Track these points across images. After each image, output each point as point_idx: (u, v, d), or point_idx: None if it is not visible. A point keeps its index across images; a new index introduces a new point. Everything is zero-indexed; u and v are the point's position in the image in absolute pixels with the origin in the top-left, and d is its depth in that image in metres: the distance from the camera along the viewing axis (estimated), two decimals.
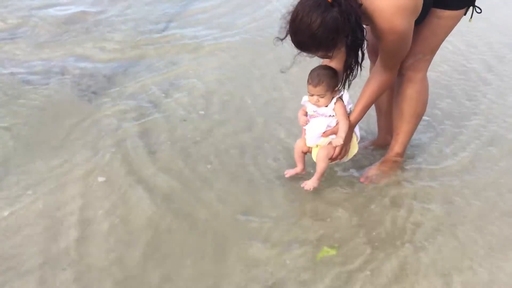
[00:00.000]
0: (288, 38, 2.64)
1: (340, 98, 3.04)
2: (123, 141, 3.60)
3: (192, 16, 5.55)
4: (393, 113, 3.31)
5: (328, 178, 3.27)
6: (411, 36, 2.77)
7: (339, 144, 3.00)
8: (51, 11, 5.60)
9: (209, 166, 3.40)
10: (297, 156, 3.25)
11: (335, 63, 3.02)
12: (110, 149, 3.50)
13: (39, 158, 3.42)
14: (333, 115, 3.04)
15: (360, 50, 2.77)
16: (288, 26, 2.62)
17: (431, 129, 3.82)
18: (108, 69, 4.55)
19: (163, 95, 4.19)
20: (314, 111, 3.08)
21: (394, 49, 2.79)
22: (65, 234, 2.81)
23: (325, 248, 2.83)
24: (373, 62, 3.27)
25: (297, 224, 2.96)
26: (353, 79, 2.96)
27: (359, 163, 3.43)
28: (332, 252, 2.81)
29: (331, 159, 3.09)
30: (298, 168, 3.26)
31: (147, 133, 3.73)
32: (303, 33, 2.56)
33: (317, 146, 3.14)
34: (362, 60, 2.85)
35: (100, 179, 3.23)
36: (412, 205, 3.10)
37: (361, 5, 2.59)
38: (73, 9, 5.65)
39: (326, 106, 3.03)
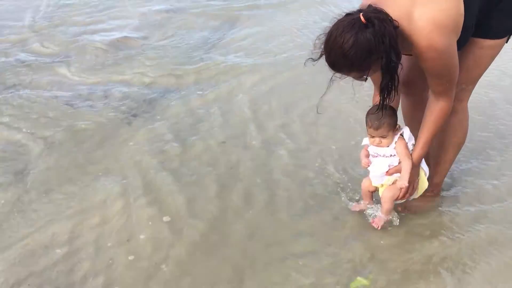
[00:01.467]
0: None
1: (401, 135, 2.97)
2: (161, 163, 3.67)
3: (231, 44, 5.61)
4: (433, 142, 3.25)
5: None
6: (457, 57, 2.67)
7: (404, 186, 2.92)
8: (96, 36, 5.77)
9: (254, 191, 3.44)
10: (364, 194, 3.23)
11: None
12: (149, 170, 3.58)
13: (78, 180, 3.52)
14: (395, 154, 2.96)
15: (395, 73, 2.68)
16: (322, 46, 2.60)
17: (471, 159, 3.75)
18: (149, 93, 4.65)
19: (202, 118, 4.25)
20: (375, 152, 3.02)
21: (437, 69, 2.67)
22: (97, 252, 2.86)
23: (359, 278, 2.80)
24: (407, 94, 3.21)
25: (332, 251, 2.94)
26: (390, 102, 2.85)
27: None
28: (365, 282, 2.77)
29: (398, 198, 3.04)
30: (366, 204, 3.24)
31: (185, 155, 3.79)
32: (335, 53, 2.52)
33: (382, 186, 3.08)
34: (397, 83, 2.72)
35: (141, 200, 3.29)
36: (449, 235, 3.04)
37: (397, 27, 2.54)
38: (116, 35, 5.80)
39: (388, 146, 2.96)
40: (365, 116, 2.98)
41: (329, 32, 2.55)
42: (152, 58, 5.30)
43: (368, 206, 3.23)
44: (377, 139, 2.95)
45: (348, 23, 2.50)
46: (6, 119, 4.24)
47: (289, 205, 3.33)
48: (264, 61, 5.23)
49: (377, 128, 2.91)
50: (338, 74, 2.64)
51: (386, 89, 2.72)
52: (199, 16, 6.34)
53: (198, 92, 4.65)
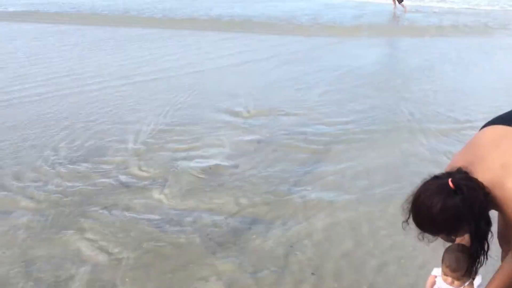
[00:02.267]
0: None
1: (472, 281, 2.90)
2: None
3: (321, 178, 5.71)
4: None
5: None
6: None
7: None
8: (191, 163, 6.09)
9: None
10: None
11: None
12: None
13: None
14: None
15: (485, 240, 2.64)
16: (410, 206, 2.63)
17: None
18: (236, 222, 4.76)
19: (286, 252, 4.28)
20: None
21: None
22: None
23: None
24: (504, 250, 3.11)
25: None
26: (480, 267, 2.81)
27: None
28: None
29: None
30: None
31: None
32: (423, 215, 2.54)
33: None
34: (487, 249, 2.69)
35: None
36: None
37: (488, 194, 2.53)
38: (209, 162, 6.10)
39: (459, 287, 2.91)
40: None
41: (416, 194, 2.59)
42: (241, 187, 5.48)
43: None
44: (449, 279, 2.91)
45: (436, 187, 2.52)
46: (92, 237, 4.51)
47: None
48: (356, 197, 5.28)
49: (453, 271, 2.87)
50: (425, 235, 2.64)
51: (475, 254, 2.69)
52: (290, 147, 6.59)
53: (284, 227, 4.71)
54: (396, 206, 2.85)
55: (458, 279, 2.89)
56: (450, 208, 2.46)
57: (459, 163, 2.68)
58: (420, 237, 2.68)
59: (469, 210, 2.47)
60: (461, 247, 2.88)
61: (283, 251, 4.31)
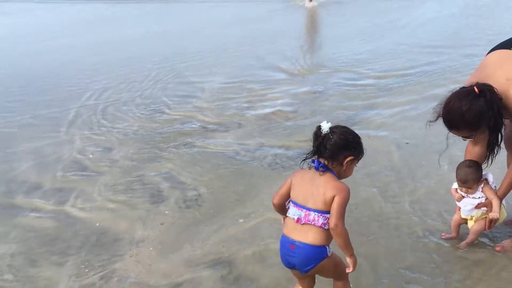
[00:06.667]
0: None
1: (486, 179, 3.71)
2: None
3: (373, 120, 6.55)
4: None
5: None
6: None
7: (496, 217, 3.62)
8: (253, 111, 7.04)
9: None
10: (453, 226, 3.98)
11: (478, 148, 3.70)
12: None
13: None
14: (480, 196, 3.72)
15: (499, 133, 3.46)
16: (440, 110, 3.42)
17: None
18: (295, 153, 5.67)
19: None
20: (464, 194, 3.79)
21: None
22: None
23: None
24: (510, 152, 3.91)
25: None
26: (495, 156, 3.63)
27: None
28: None
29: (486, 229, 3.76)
30: (453, 235, 3.98)
31: None
32: (454, 113, 3.31)
33: (471, 217, 3.82)
34: (501, 141, 3.52)
35: None
36: None
37: (501, 99, 3.31)
38: (271, 109, 7.05)
39: (474, 194, 3.73)
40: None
41: (448, 98, 3.39)
42: (296, 128, 6.40)
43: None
44: (464, 189, 3.73)
45: (464, 92, 3.34)
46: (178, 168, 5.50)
47: None
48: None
49: (464, 182, 3.69)
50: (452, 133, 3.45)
51: (492, 145, 3.54)
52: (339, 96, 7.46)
53: None
54: None
55: (469, 188, 3.71)
56: (476, 107, 3.26)
57: (473, 81, 3.46)
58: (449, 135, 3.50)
59: (490, 108, 3.27)
60: (468, 163, 3.72)
61: None
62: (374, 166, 5.23)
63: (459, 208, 3.87)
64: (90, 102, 7.71)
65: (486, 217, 3.74)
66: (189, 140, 6.17)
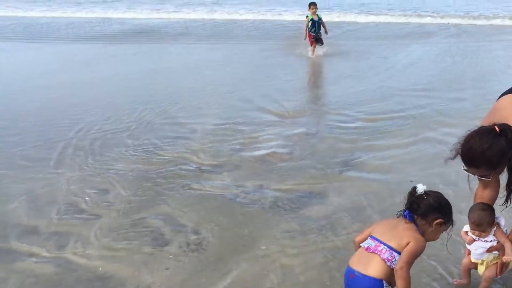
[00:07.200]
0: None
1: (498, 223, 3.73)
2: None
3: (366, 163, 6.59)
4: None
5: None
6: None
7: (509, 260, 3.62)
8: (247, 153, 7.03)
9: None
10: (464, 271, 3.97)
11: (488, 192, 3.72)
12: None
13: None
14: (492, 240, 3.71)
15: None
16: (460, 147, 3.42)
17: None
18: (295, 196, 5.66)
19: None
20: (475, 238, 3.78)
21: None
22: None
23: None
24: None
25: None
26: None
27: None
28: None
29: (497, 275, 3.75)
30: (464, 281, 3.97)
31: None
32: (475, 150, 3.32)
33: (482, 261, 3.80)
34: None
35: None
36: None
37: None
38: (266, 151, 7.05)
39: (486, 237, 3.72)
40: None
41: (468, 136, 3.41)
42: (293, 170, 6.38)
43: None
44: (476, 232, 3.72)
45: (485, 130, 3.37)
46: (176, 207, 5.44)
47: None
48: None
49: (478, 225, 3.69)
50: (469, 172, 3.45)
51: (511, 185, 3.59)
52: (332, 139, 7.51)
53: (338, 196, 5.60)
54: None
55: (483, 231, 3.70)
56: (498, 146, 3.29)
57: (489, 122, 3.49)
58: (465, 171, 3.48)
59: (511, 148, 3.30)
60: (482, 206, 3.71)
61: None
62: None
63: (469, 251, 3.87)
64: (81, 142, 7.61)
65: (497, 262, 3.74)
66: (186, 182, 6.11)
